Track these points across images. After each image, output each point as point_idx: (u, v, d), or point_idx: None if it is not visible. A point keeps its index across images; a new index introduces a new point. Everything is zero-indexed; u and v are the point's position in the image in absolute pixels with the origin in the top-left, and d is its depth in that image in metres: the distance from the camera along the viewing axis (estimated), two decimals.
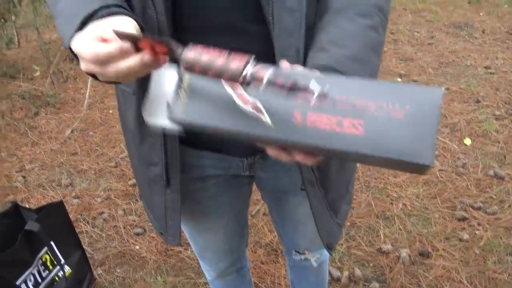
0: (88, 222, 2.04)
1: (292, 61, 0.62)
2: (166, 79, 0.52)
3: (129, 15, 0.54)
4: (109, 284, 1.73)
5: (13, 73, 3.81)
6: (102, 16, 0.52)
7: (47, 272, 1.47)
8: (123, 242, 1.93)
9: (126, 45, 0.46)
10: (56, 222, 1.51)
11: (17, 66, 3.95)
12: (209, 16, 0.64)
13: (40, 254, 1.43)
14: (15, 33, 4.53)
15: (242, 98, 0.47)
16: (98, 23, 0.51)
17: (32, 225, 1.34)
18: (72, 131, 2.83)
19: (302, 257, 1.09)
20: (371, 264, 1.73)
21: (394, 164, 0.44)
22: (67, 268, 1.54)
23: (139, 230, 1.99)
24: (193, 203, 0.87)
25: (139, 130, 0.73)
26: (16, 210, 1.51)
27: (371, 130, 0.43)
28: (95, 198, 2.20)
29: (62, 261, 1.51)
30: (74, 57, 0.53)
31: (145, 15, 0.61)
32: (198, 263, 1.79)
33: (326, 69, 0.55)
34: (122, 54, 0.47)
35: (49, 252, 1.46)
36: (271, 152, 0.49)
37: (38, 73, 3.62)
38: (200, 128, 0.49)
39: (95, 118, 2.96)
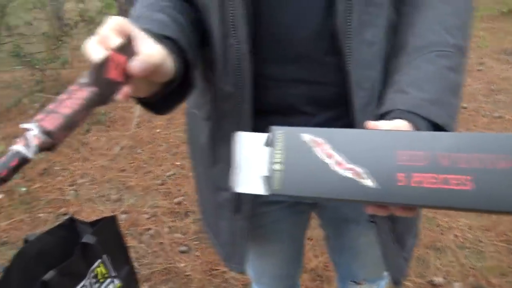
0: (135, 238, 2.08)
1: (368, 94, 0.62)
2: (252, 146, 0.53)
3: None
4: None
5: None
6: None
7: (98, 284, 1.50)
8: (168, 259, 1.96)
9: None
10: (109, 236, 1.54)
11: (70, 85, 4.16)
12: (287, 46, 0.65)
13: (94, 266, 1.46)
14: (69, 54, 4.79)
15: (340, 165, 0.47)
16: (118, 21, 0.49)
17: (88, 238, 1.39)
18: (121, 148, 2.92)
19: (358, 287, 1.06)
20: None
21: (498, 213, 0.44)
22: (117, 282, 1.56)
23: (184, 248, 2.01)
24: (256, 227, 0.87)
25: (211, 153, 0.74)
26: (71, 223, 1.56)
27: (481, 185, 0.42)
28: (142, 214, 2.25)
29: (113, 274, 1.54)
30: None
31: (226, 43, 0.63)
32: (243, 284, 1.79)
33: (405, 113, 0.55)
34: None
35: (101, 265, 1.49)
36: (369, 210, 0.49)
37: None
38: (299, 198, 0.49)
39: (143, 136, 3.05)
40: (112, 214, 2.18)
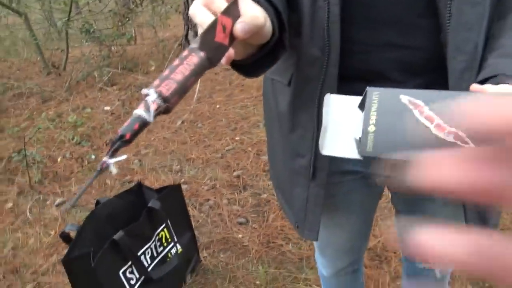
0: (195, 207, 2.15)
1: (468, 58, 0.59)
2: (342, 108, 0.52)
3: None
4: (213, 268, 1.80)
5: (131, 67, 4.16)
6: None
7: (162, 248, 1.57)
8: (226, 229, 2.01)
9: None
10: (173, 202, 1.61)
11: (135, 61, 4.31)
12: (378, 8, 0.63)
13: (158, 230, 1.53)
14: (133, 31, 4.95)
15: (440, 128, 0.45)
16: None
17: (154, 203, 1.45)
18: (182, 122, 3.00)
19: (427, 265, 1.04)
20: (486, 284, 1.60)
21: None
22: (179, 247, 1.63)
23: (242, 220, 2.05)
24: (328, 196, 0.87)
25: (290, 119, 0.74)
26: (139, 188, 1.64)
27: None
28: (202, 186, 2.32)
29: (176, 239, 1.61)
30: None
31: (315, 6, 0.62)
32: (299, 258, 1.80)
33: (507, 78, 0.52)
34: None
35: (165, 229, 1.56)
36: None
37: (153, 68, 3.90)
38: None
39: (204, 111, 3.11)
40: (178, 183, 2.27)
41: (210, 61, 0.44)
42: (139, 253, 1.45)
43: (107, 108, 3.33)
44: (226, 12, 0.45)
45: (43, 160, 2.62)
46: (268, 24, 0.52)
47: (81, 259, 1.30)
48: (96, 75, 3.84)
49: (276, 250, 1.86)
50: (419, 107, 0.46)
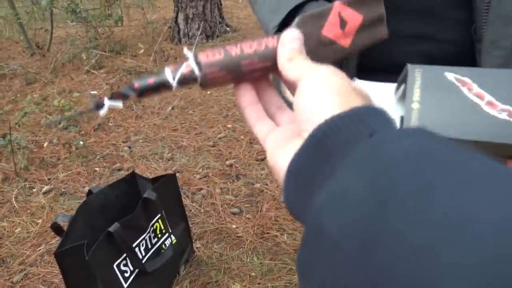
0: (187, 197, 2.11)
1: (506, 53, 0.57)
2: (381, 87, 0.49)
3: None
4: (207, 259, 1.78)
5: (119, 49, 4.05)
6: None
7: (156, 239, 1.53)
8: (220, 219, 1.98)
9: None
10: (169, 193, 1.57)
11: (122, 43, 4.20)
12: None
13: (153, 221, 1.49)
14: (120, 12, 4.81)
15: (492, 105, 0.42)
16: None
17: (150, 194, 1.41)
18: (172, 108, 2.94)
19: None
20: None
21: None
22: (173, 238, 1.60)
23: (235, 209, 2.02)
24: None
25: None
26: (132, 178, 1.59)
27: None
28: (194, 175, 2.28)
29: (170, 230, 1.58)
30: None
31: None
32: (295, 249, 1.79)
33: None
34: None
35: (160, 220, 1.52)
36: None
37: (142, 51, 3.81)
38: None
39: (195, 97, 3.05)
40: (166, 172, 2.22)
41: None
42: (133, 245, 1.41)
43: (94, 92, 3.24)
44: (351, 3, 0.36)
45: (29, 146, 2.54)
46: None
47: (75, 252, 1.25)
48: (83, 57, 3.72)
49: (271, 241, 1.84)
50: (468, 84, 0.44)
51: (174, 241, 1.61)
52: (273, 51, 0.34)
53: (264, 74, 0.36)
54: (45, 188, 2.22)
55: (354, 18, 0.36)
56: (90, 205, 1.45)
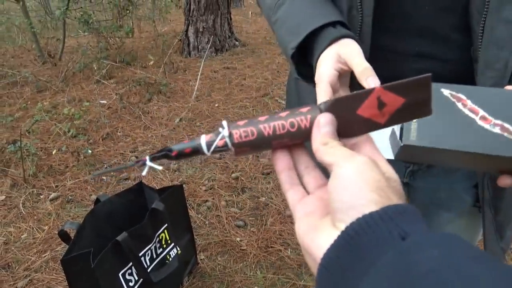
0: (193, 208, 2.12)
1: (498, 75, 0.60)
2: None
3: (353, 37, 0.55)
4: (211, 271, 1.78)
5: (129, 60, 4.11)
6: (330, 36, 0.54)
7: (161, 249, 1.55)
8: (224, 232, 1.99)
9: None
10: (175, 204, 1.58)
11: (133, 54, 4.26)
12: (412, 19, 0.63)
13: (159, 232, 1.51)
14: (131, 24, 4.89)
15: (486, 120, 0.45)
16: (332, 52, 0.53)
17: (158, 205, 1.42)
18: (180, 120, 2.97)
19: None
20: None
21: None
22: (178, 249, 1.61)
23: (240, 223, 2.03)
24: None
25: None
26: (140, 188, 1.61)
27: None
28: (200, 186, 2.29)
29: (175, 241, 1.59)
30: (296, 68, 0.60)
31: (350, 15, 0.62)
32: (298, 264, 1.79)
33: None
34: None
35: (166, 231, 1.53)
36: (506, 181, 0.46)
37: (152, 62, 3.86)
38: (434, 152, 0.47)
39: (202, 110, 3.08)
40: (172, 183, 2.24)
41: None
42: (140, 255, 1.42)
43: (104, 101, 3.28)
44: (393, 88, 0.35)
45: (38, 153, 2.57)
46: None
47: (81, 259, 1.26)
48: (94, 67, 3.78)
49: (275, 255, 1.85)
50: (462, 100, 0.46)
51: (179, 252, 1.62)
52: (305, 132, 0.35)
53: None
54: (52, 195, 2.24)
55: (395, 101, 0.35)
56: (98, 213, 1.47)
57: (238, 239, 1.95)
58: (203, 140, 0.37)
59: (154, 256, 1.51)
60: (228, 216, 2.08)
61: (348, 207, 0.29)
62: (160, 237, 1.53)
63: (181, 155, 0.37)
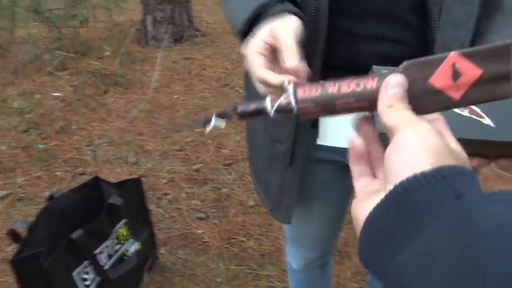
0: (153, 202, 2.07)
1: None
2: None
3: (298, 14, 0.54)
4: (171, 265, 1.75)
5: (84, 51, 3.95)
6: (275, 12, 0.53)
7: (119, 245, 1.50)
8: (185, 225, 1.96)
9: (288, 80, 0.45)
10: (133, 198, 1.54)
11: (87, 45, 4.10)
12: (371, 1, 0.63)
13: (117, 227, 1.46)
14: (86, 13, 4.70)
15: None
16: (266, 29, 0.52)
17: (115, 199, 1.38)
18: (138, 112, 2.89)
19: None
20: None
21: None
22: (137, 244, 1.56)
23: (202, 215, 2.00)
24: (305, 185, 0.86)
25: None
26: (96, 182, 1.55)
27: None
28: (160, 179, 2.24)
29: (134, 236, 1.54)
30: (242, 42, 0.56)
31: None
32: (261, 254, 1.79)
33: None
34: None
35: (124, 226, 1.49)
36: (501, 164, 0.46)
37: (108, 53, 3.72)
38: None
39: (161, 101, 3.01)
40: (131, 177, 2.17)
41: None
42: (96, 252, 1.37)
43: (57, 94, 3.14)
44: (469, 55, 0.32)
45: None
46: None
47: (32, 260, 1.20)
48: (47, 58, 3.61)
49: (237, 246, 1.84)
50: None
51: (138, 247, 1.57)
52: (371, 93, 0.34)
53: (359, 111, 0.36)
54: (2, 193, 2.12)
55: (471, 71, 0.32)
56: (52, 210, 1.40)
57: (199, 231, 1.92)
58: (268, 99, 0.37)
59: (112, 252, 1.46)
60: (189, 208, 2.05)
61: (400, 167, 0.27)
62: (118, 233, 1.48)
63: (245, 113, 0.38)
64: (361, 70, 0.67)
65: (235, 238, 1.87)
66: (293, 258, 1.13)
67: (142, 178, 2.20)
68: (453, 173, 0.26)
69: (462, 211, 0.23)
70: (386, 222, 0.27)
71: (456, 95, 0.33)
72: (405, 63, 0.34)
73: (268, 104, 0.37)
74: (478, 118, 0.44)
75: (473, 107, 0.44)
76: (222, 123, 0.38)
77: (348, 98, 0.34)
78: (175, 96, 3.10)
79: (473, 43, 0.62)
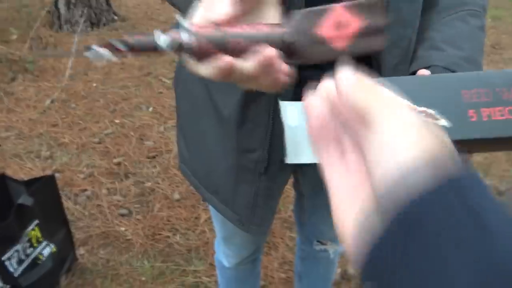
0: (70, 199, 1.94)
1: (402, 52, 0.62)
2: (294, 115, 0.50)
3: None
4: (92, 266, 1.65)
5: None
6: None
7: (31, 249, 1.38)
8: (107, 222, 1.85)
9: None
10: (47, 197, 1.41)
11: None
12: (320, 2, 0.62)
13: (28, 229, 1.33)
14: None
15: (409, 107, 0.45)
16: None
17: (25, 199, 1.25)
18: (52, 101, 2.68)
19: (323, 247, 1.08)
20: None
21: None
22: (52, 246, 1.45)
23: (124, 211, 1.91)
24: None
25: (239, 117, 0.69)
26: (2, 181, 1.40)
27: None
28: (77, 174, 2.10)
29: (48, 238, 1.42)
30: None
31: None
32: (188, 249, 1.75)
33: (441, 69, 0.56)
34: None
35: (36, 228, 1.37)
36: None
37: (15, 36, 3.40)
38: None
39: (78, 90, 2.82)
40: (44, 172, 2.01)
41: (287, 48, 0.35)
42: (3, 258, 1.25)
43: None
44: (348, 7, 0.36)
45: None
46: None
47: None
48: None
49: (163, 242, 1.78)
50: None
51: (54, 249, 1.46)
52: (265, 37, 0.35)
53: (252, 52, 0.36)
54: None
55: (353, 23, 0.36)
56: None
57: (122, 228, 1.83)
58: (159, 32, 0.36)
59: (23, 257, 1.34)
60: (111, 205, 1.94)
61: (381, 154, 0.23)
62: (30, 236, 1.36)
63: (134, 47, 0.36)
64: (324, 67, 0.65)
65: (160, 234, 1.80)
66: (224, 256, 1.10)
67: (58, 174, 2.06)
68: (465, 185, 0.22)
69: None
70: (395, 256, 0.21)
71: (338, 46, 0.36)
72: (295, 13, 0.36)
73: (160, 36, 0.35)
74: (433, 121, 0.45)
75: (428, 111, 0.44)
76: (109, 55, 0.36)
77: (240, 38, 0.35)
78: (94, 85, 2.91)
79: (417, 39, 0.64)
